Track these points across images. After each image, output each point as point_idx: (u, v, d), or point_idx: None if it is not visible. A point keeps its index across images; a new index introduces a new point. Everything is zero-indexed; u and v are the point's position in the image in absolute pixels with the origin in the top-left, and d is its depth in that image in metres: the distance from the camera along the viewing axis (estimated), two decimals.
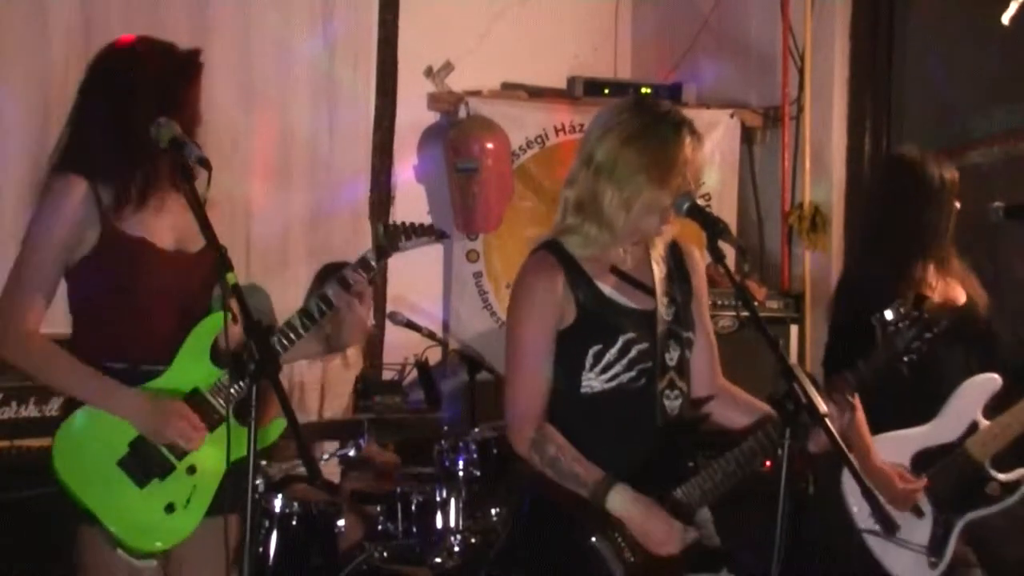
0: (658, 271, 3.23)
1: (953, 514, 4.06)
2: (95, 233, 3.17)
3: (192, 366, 3.23)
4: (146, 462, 3.16)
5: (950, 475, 4.06)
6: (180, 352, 3.22)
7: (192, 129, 3.20)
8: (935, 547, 4.04)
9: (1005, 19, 5.48)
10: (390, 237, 3.43)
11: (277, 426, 3.31)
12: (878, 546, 4.02)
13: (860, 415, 4.00)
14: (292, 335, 3.27)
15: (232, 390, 3.15)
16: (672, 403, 3.19)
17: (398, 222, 3.50)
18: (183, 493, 3.19)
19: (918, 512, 4.03)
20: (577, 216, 3.16)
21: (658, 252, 3.26)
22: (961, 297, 4.17)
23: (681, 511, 3.10)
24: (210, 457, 3.21)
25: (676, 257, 3.31)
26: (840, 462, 3.85)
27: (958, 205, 4.17)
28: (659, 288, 3.21)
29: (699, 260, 3.37)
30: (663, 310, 3.20)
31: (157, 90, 3.19)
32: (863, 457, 3.96)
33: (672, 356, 3.20)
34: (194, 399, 3.21)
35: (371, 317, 6.28)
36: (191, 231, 3.21)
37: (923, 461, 4.08)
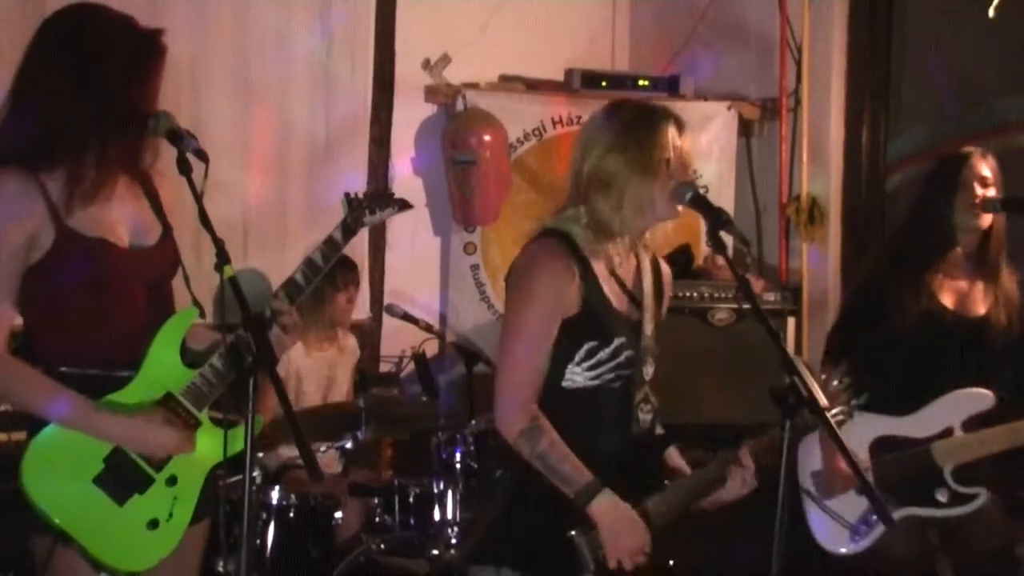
0: (647, 285, 3.25)
1: (892, 501, 4.04)
2: (48, 235, 2.95)
3: (162, 368, 3.06)
4: (124, 478, 2.98)
5: (903, 466, 4.06)
6: (149, 354, 3.05)
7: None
8: (862, 525, 4.07)
9: (991, 12, 5.49)
10: (354, 212, 3.26)
11: (256, 426, 3.10)
12: (810, 508, 4.13)
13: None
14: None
15: (206, 389, 3.04)
16: (645, 416, 3.21)
17: (359, 193, 3.31)
18: (164, 506, 3.03)
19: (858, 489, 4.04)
20: (587, 230, 3.16)
21: (646, 264, 3.27)
22: (980, 307, 4.15)
23: (650, 523, 3.11)
24: (189, 464, 3.07)
25: (656, 272, 3.32)
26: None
27: (979, 201, 4.14)
28: (647, 301, 3.23)
29: (670, 277, 3.38)
30: (647, 324, 3.22)
31: (128, 65, 3.00)
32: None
33: (648, 371, 3.22)
34: (168, 404, 3.05)
35: (367, 307, 6.35)
36: (144, 220, 3.13)
37: (882, 447, 4.10)
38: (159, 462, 3.03)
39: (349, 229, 3.23)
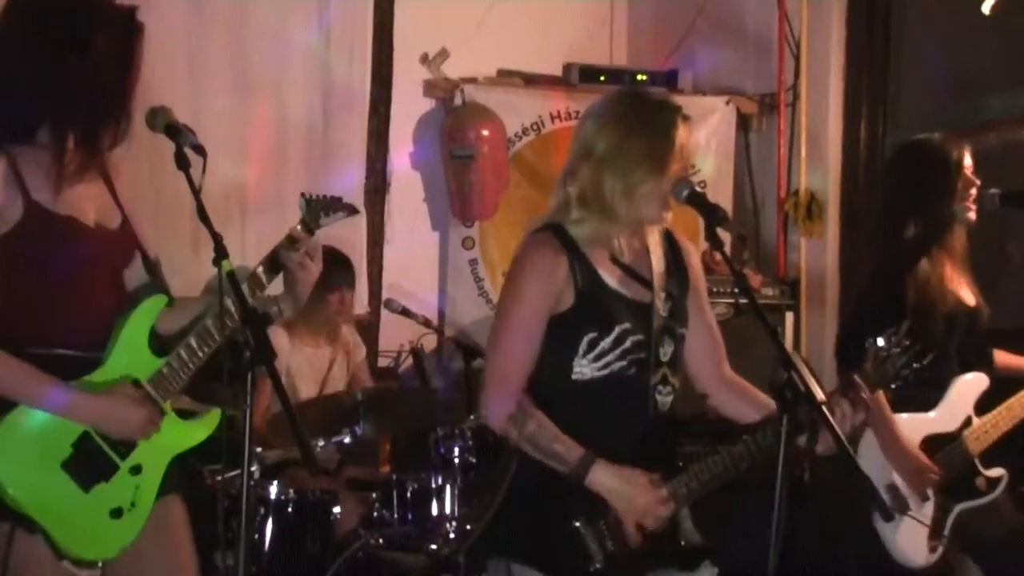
0: (657, 264, 3.23)
1: (949, 502, 4.10)
2: (16, 210, 2.92)
3: (131, 355, 3.03)
4: (91, 464, 2.96)
5: (949, 464, 4.10)
6: (119, 339, 3.03)
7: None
8: (935, 532, 4.08)
9: (986, 8, 5.49)
10: (312, 214, 3.23)
11: (211, 419, 3.14)
12: (886, 528, 4.06)
13: (881, 397, 4.02)
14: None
15: (172, 378, 3.03)
16: (664, 398, 3.19)
17: (316, 196, 3.29)
18: (127, 495, 3.01)
19: (924, 496, 4.07)
20: (581, 210, 3.15)
21: (655, 243, 3.26)
22: (971, 298, 4.18)
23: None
24: (153, 453, 3.05)
25: (673, 250, 3.30)
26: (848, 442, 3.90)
27: (974, 192, 4.17)
28: (657, 282, 3.21)
29: (694, 253, 3.37)
30: (660, 304, 3.19)
31: (106, 44, 2.98)
32: (891, 437, 4.03)
33: (666, 351, 3.19)
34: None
35: (365, 302, 6.35)
36: (107, 204, 3.10)
37: (929, 446, 4.11)
38: (125, 450, 3.01)
39: (309, 229, 3.23)
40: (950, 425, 4.14)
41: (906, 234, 4.17)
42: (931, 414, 4.14)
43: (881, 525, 4.06)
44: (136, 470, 3.03)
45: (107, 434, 2.98)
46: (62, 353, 2.98)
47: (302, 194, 3.26)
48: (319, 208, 3.26)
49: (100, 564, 3.02)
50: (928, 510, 4.08)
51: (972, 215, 4.18)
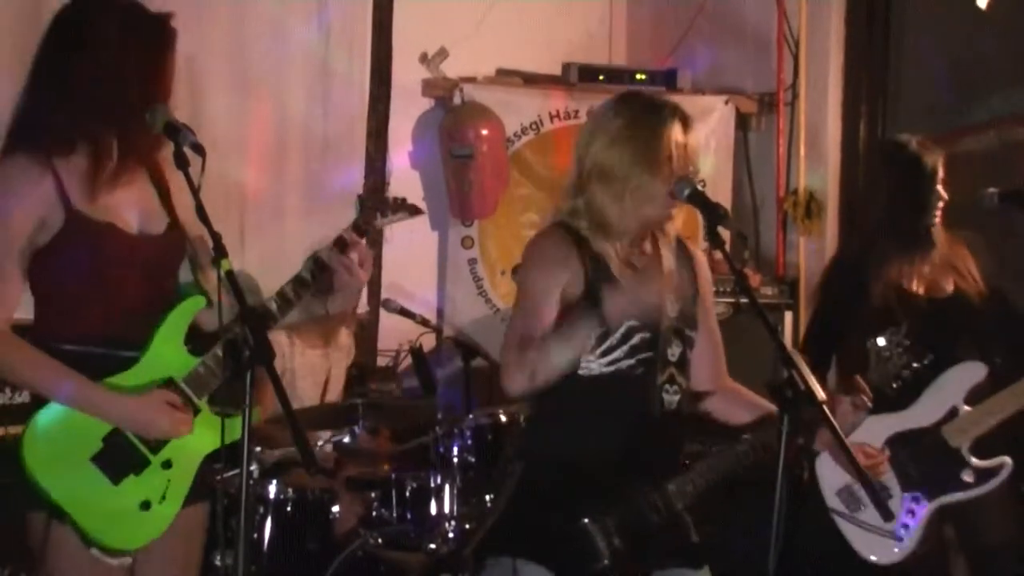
0: (667, 266, 3.26)
1: (923, 497, 4.06)
2: (58, 218, 3.01)
3: (167, 354, 3.11)
4: (121, 458, 3.04)
5: (922, 459, 4.07)
6: (155, 339, 3.10)
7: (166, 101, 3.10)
8: (900, 528, 4.06)
9: (981, 2, 5.49)
10: (365, 215, 3.25)
11: (254, 416, 3.12)
12: (844, 524, 4.07)
13: None
14: (283, 303, 3.17)
15: (207, 377, 3.09)
16: (671, 397, 3.22)
17: (373, 196, 3.30)
18: (158, 489, 3.09)
19: (885, 493, 4.05)
20: (586, 219, 3.20)
21: (667, 249, 3.27)
22: (948, 286, 4.18)
23: (670, 505, 3.13)
24: (185, 450, 3.12)
25: (683, 256, 3.33)
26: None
27: (941, 204, 4.19)
28: (667, 284, 3.24)
29: (703, 261, 3.40)
30: (669, 306, 3.21)
31: (143, 53, 3.09)
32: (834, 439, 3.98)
33: (674, 352, 3.22)
34: (169, 390, 3.10)
35: (364, 302, 6.34)
36: (153, 208, 3.16)
37: (896, 444, 4.09)
38: (156, 445, 3.07)
39: (360, 230, 3.24)
40: (925, 420, 4.10)
41: (874, 232, 4.20)
42: (900, 413, 4.11)
43: (844, 525, 4.07)
44: (167, 465, 3.10)
45: (134, 433, 3.05)
46: (98, 351, 3.05)
47: (359, 195, 3.29)
48: (375, 208, 3.27)
49: (131, 553, 3.08)
50: (893, 507, 4.05)
51: (935, 225, 4.19)
